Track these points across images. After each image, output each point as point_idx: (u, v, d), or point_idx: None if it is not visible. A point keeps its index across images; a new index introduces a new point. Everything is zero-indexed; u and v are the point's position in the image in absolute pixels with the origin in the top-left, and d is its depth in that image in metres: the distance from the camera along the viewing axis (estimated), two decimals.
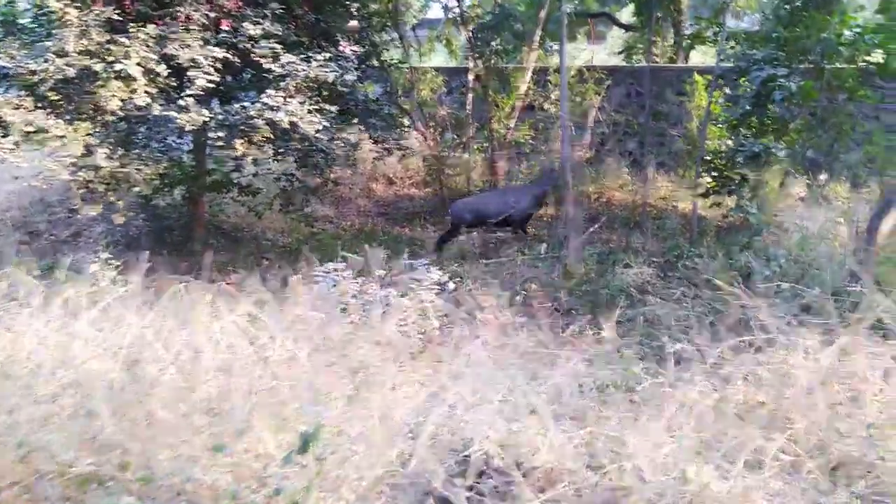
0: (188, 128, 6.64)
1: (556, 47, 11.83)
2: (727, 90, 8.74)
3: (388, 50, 11.26)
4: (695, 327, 4.25)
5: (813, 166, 8.80)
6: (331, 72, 6.92)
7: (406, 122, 10.89)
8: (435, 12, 14.84)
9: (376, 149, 9.38)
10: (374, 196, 12.22)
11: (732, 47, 8.72)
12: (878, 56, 7.00)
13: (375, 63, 10.16)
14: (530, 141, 12.32)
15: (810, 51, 7.42)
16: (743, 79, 8.12)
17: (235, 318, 3.14)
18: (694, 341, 3.72)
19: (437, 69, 13.02)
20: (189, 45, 6.68)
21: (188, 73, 6.66)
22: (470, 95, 11.89)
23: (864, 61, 7.20)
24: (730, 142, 8.68)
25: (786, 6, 7.93)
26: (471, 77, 11.69)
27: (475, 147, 12.05)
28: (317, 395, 2.58)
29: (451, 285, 5.69)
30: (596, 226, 9.19)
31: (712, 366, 3.19)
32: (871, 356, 2.99)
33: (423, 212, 11.38)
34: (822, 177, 8.77)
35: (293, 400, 2.50)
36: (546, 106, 12.16)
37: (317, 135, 6.86)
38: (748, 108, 7.94)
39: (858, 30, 7.09)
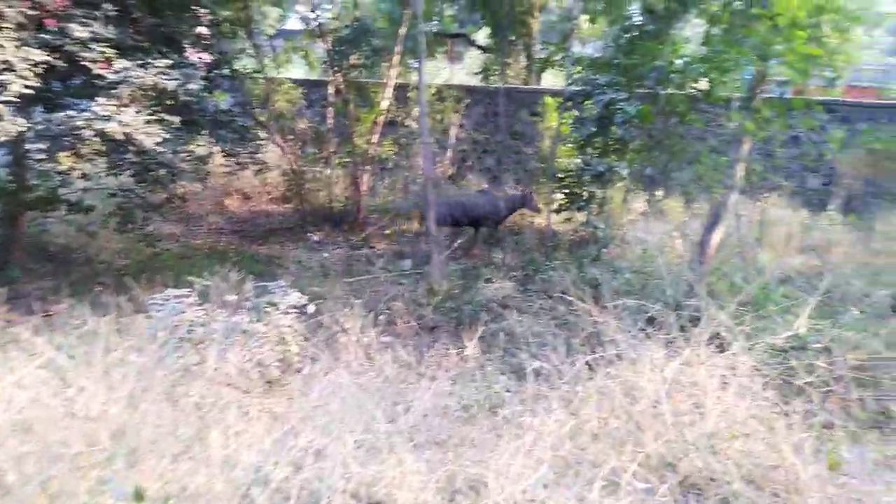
0: (1, 138, 5.83)
1: (416, 64, 11.91)
2: (575, 112, 9.23)
3: (240, 59, 10.71)
4: (550, 342, 4.34)
5: (651, 184, 9.55)
6: (171, 79, 6.39)
7: (262, 134, 10.38)
8: (293, 23, 14.44)
9: (229, 162, 8.83)
10: (227, 212, 11.53)
11: (579, 72, 9.23)
12: (704, 83, 7.71)
13: (227, 72, 9.60)
14: (393, 156, 12.29)
15: (646, 77, 8.03)
16: (588, 102, 8.62)
17: (43, 362, 2.67)
18: (550, 357, 3.78)
19: (295, 81, 12.62)
20: (2, 46, 5.88)
21: (0, 77, 5.85)
22: (331, 109, 11.64)
23: (693, 88, 7.89)
24: (578, 160, 9.17)
25: (624, 35, 8.52)
26: (331, 90, 11.45)
27: (337, 162, 11.79)
28: (139, 451, 2.24)
29: (312, 307, 5.42)
30: (459, 241, 9.30)
31: (567, 384, 3.23)
32: (709, 367, 3.18)
33: (281, 228, 10.90)
34: (659, 193, 9.55)
35: (107, 462, 2.14)
36: (408, 122, 12.21)
37: (157, 147, 6.29)
38: (593, 129, 8.44)
39: (687, 59, 7.76)
